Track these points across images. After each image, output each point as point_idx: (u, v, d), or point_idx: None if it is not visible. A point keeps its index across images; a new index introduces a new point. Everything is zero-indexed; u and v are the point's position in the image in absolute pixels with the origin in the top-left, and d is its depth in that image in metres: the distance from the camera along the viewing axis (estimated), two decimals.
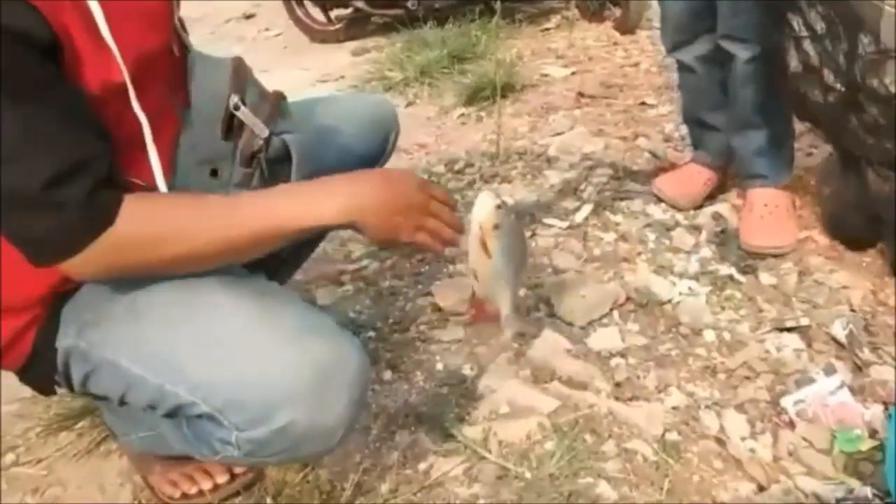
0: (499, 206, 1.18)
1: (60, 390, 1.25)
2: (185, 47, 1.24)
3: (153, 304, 1.10)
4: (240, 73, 1.24)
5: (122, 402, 1.17)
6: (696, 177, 2.21)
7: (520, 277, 1.31)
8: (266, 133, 1.23)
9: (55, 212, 0.95)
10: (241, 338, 1.07)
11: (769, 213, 1.99)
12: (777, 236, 1.97)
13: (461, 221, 1.22)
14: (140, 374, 1.09)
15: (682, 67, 2.18)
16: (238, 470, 1.45)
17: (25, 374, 1.21)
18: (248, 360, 1.05)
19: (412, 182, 1.17)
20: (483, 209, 1.19)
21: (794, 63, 1.75)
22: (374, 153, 1.61)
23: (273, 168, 1.25)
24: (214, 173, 1.19)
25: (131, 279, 1.09)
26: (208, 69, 1.23)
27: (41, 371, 1.18)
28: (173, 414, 1.14)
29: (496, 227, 1.18)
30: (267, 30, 5.06)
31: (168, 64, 1.17)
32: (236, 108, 1.21)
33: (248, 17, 5.45)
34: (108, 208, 0.98)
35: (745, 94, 1.96)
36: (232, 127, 1.21)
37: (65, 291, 1.13)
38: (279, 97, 1.31)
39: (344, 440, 1.12)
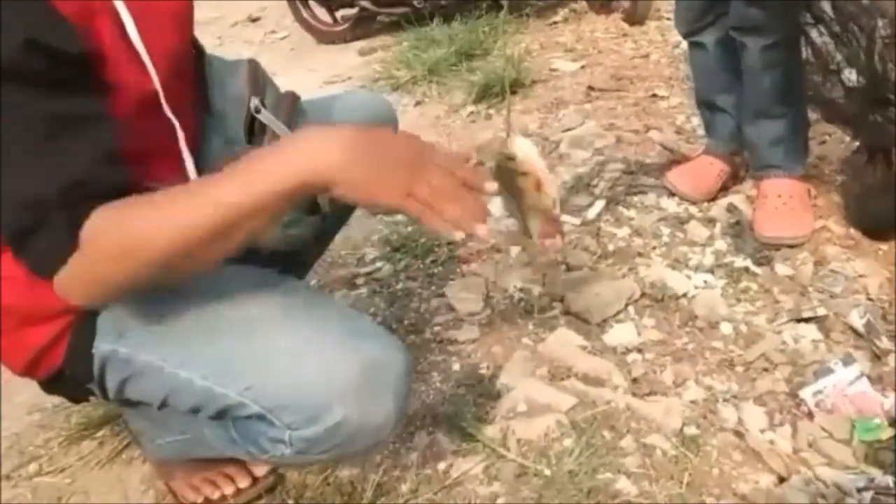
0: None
1: (92, 397, 1.27)
2: (199, 49, 1.25)
3: (197, 307, 1.11)
4: (257, 76, 1.26)
5: (163, 406, 1.17)
6: (708, 169, 2.20)
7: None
8: (288, 133, 1.23)
9: (33, 234, 0.94)
10: (289, 338, 1.08)
11: (784, 204, 1.98)
12: (793, 227, 1.96)
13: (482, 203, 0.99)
14: (187, 377, 1.10)
15: (695, 47, 2.18)
16: (259, 473, 1.46)
17: (56, 382, 1.22)
18: (298, 359, 1.06)
19: (404, 139, 1.00)
20: (529, 153, 1.13)
21: (807, 55, 1.75)
22: None
23: None
24: None
25: (170, 286, 1.06)
26: (226, 73, 1.25)
27: (74, 378, 1.18)
28: (219, 416, 1.15)
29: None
30: (273, 32, 5.07)
31: (190, 66, 1.19)
32: (257, 110, 1.22)
33: (255, 20, 5.46)
34: (72, 226, 0.94)
35: (759, 83, 1.95)
36: (254, 129, 1.22)
37: None
38: (295, 97, 1.32)
39: (390, 436, 1.15)
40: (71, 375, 1.18)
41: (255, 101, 1.22)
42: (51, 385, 1.25)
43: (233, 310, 1.11)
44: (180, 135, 1.08)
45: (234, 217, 0.93)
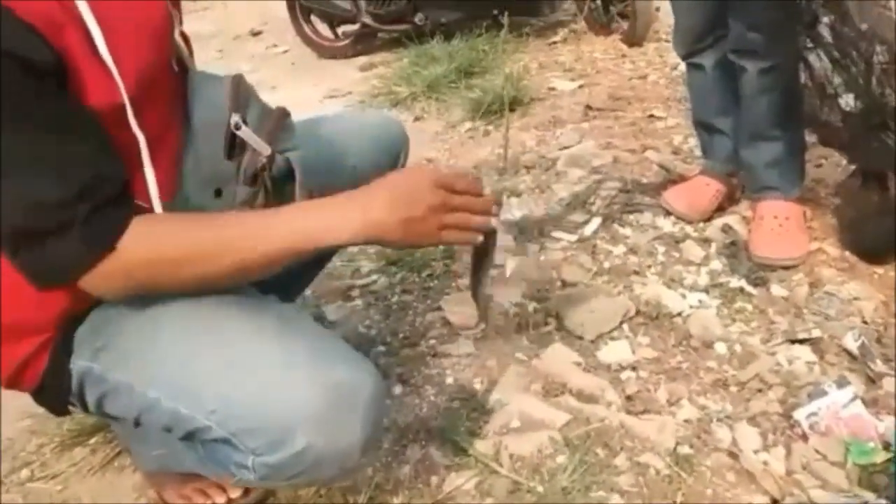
0: None
1: (74, 410, 1.26)
2: (184, 65, 1.23)
3: (168, 327, 1.10)
4: (239, 92, 1.23)
5: (138, 424, 1.17)
6: (705, 189, 2.21)
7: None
8: (269, 151, 1.21)
9: (58, 236, 0.95)
10: (256, 362, 1.07)
11: (780, 226, 1.99)
12: (789, 248, 1.97)
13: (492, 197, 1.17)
14: (155, 397, 1.09)
15: (693, 69, 2.19)
16: (251, 485, 1.45)
17: (39, 395, 1.21)
18: (263, 384, 1.05)
19: (425, 182, 1.10)
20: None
21: (805, 79, 1.76)
22: (383, 171, 1.58)
23: (278, 186, 1.24)
24: (218, 193, 1.18)
25: (146, 301, 1.09)
26: (208, 88, 1.22)
27: (55, 392, 1.18)
28: (189, 437, 1.14)
29: None
30: (274, 46, 5.09)
31: (169, 82, 1.17)
32: (237, 127, 1.19)
33: (256, 34, 5.48)
34: (111, 231, 0.98)
35: (757, 105, 1.97)
36: (234, 146, 1.20)
37: (79, 313, 1.13)
38: (283, 114, 1.29)
39: (361, 464, 1.13)
40: (52, 389, 1.17)
41: (235, 118, 1.19)
42: (35, 397, 1.23)
43: (204, 331, 1.10)
44: (144, 150, 1.06)
45: (288, 254, 1.06)
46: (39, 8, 0.91)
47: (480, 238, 1.17)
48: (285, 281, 1.30)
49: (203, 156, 1.16)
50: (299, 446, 1.03)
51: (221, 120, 1.18)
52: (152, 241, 1.01)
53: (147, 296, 1.08)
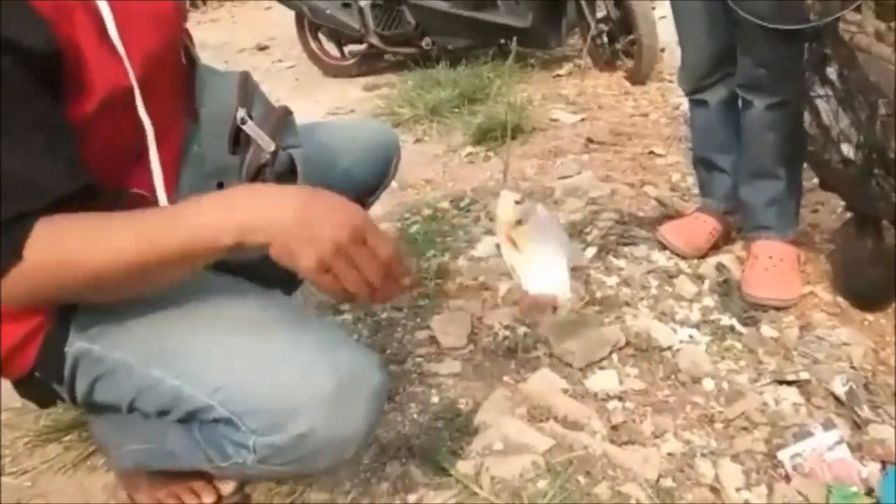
0: (518, 202, 1.17)
1: (58, 405, 1.25)
2: (191, 58, 1.25)
3: (173, 308, 1.10)
4: (247, 87, 1.25)
5: (131, 409, 1.15)
6: (701, 226, 2.22)
7: (563, 258, 1.21)
8: (272, 147, 1.22)
9: None
10: (263, 343, 1.07)
11: (774, 266, 1.99)
12: (782, 289, 1.97)
13: (402, 282, 1.03)
14: (158, 376, 1.08)
15: (697, 105, 2.20)
16: (225, 491, 1.43)
17: (27, 383, 1.19)
18: (270, 365, 1.05)
19: (341, 215, 0.97)
20: (504, 208, 1.17)
21: (809, 122, 1.77)
22: (375, 178, 1.62)
23: (279, 182, 1.23)
24: (220, 186, 1.18)
25: (111, 300, 1.07)
26: (216, 82, 1.25)
27: (44, 379, 1.16)
28: (187, 419, 1.13)
29: (519, 222, 1.17)
30: (280, 61, 5.13)
31: (175, 71, 1.18)
32: (243, 121, 1.21)
33: (262, 48, 5.52)
34: (15, 241, 0.93)
35: (761, 142, 1.97)
36: (239, 141, 1.21)
37: None
38: (286, 112, 1.31)
39: (355, 456, 1.12)
40: (41, 376, 1.16)
41: (241, 112, 1.21)
42: (21, 385, 1.22)
43: (209, 312, 1.10)
44: (150, 137, 1.06)
45: (163, 259, 0.95)
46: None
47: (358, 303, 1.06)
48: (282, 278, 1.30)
49: (207, 148, 1.17)
50: (302, 429, 1.03)
51: (227, 114, 1.20)
52: (50, 244, 0.94)
53: (63, 299, 1.05)
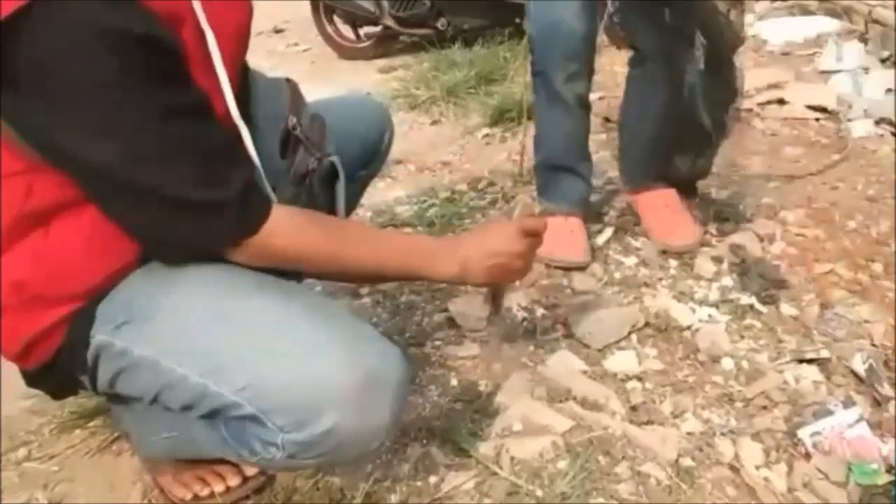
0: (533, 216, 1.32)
1: (81, 389, 1.27)
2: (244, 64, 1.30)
3: (198, 304, 1.11)
4: (297, 95, 1.32)
5: (154, 402, 1.17)
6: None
7: None
8: (319, 154, 1.29)
9: (206, 213, 1.04)
10: (288, 339, 1.08)
11: (672, 213, 2.14)
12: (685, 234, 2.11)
13: None
14: (183, 373, 1.09)
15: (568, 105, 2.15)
16: (250, 473, 1.44)
17: (44, 372, 1.21)
18: (295, 362, 1.06)
19: (512, 233, 1.32)
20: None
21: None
22: (370, 151, 1.67)
23: (320, 187, 1.32)
24: (273, 190, 1.20)
25: (174, 279, 1.13)
26: (269, 88, 1.31)
27: (67, 367, 1.18)
28: (211, 415, 1.14)
29: None
30: (295, 45, 5.12)
31: (241, 77, 1.24)
32: (294, 128, 1.27)
33: (278, 31, 5.51)
34: (258, 215, 1.09)
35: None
36: (288, 146, 1.27)
37: (109, 287, 1.14)
38: (324, 121, 1.36)
39: (381, 447, 1.18)
40: (64, 364, 1.18)
41: (293, 120, 1.28)
42: (37, 375, 1.24)
43: (234, 308, 1.11)
44: (249, 142, 1.14)
45: (401, 275, 1.33)
46: (162, 2, 0.98)
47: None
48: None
49: (260, 152, 1.20)
50: (329, 424, 1.05)
51: (280, 120, 1.26)
52: (295, 233, 1.14)
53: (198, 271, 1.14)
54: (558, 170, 2.18)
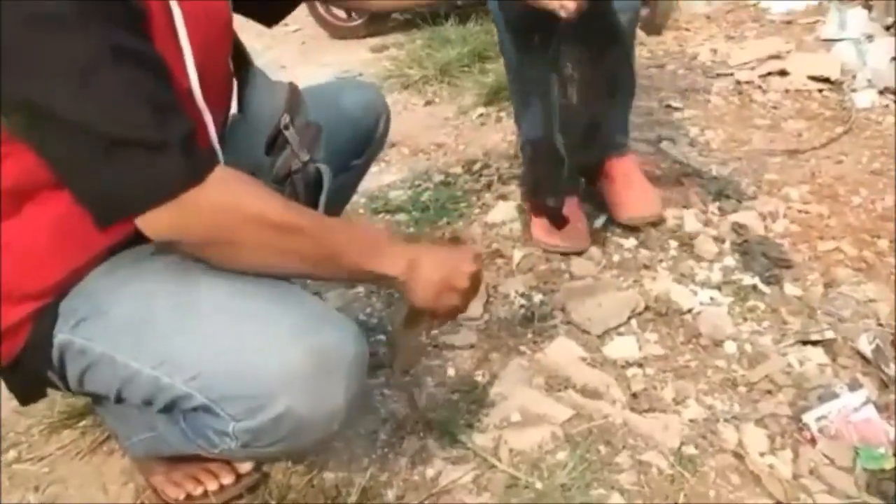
0: None
1: (52, 390, 1.25)
2: (244, 58, 1.30)
3: (149, 297, 1.09)
4: (296, 98, 1.30)
5: (119, 400, 1.15)
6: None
7: None
8: (306, 157, 1.26)
9: (146, 153, 0.95)
10: (235, 327, 1.06)
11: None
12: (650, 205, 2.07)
13: None
14: (136, 367, 1.08)
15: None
16: (243, 470, 1.42)
17: (14, 371, 1.18)
18: (242, 348, 1.04)
19: (464, 271, 1.23)
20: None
21: None
22: (364, 137, 1.64)
23: (304, 192, 1.29)
24: None
25: (128, 272, 1.10)
26: (266, 85, 1.29)
27: (34, 366, 1.15)
28: (169, 409, 1.13)
29: None
30: (286, 25, 5.00)
31: (226, 65, 1.23)
32: (286, 127, 1.25)
33: None
34: (204, 164, 1.00)
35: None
36: (275, 144, 1.25)
37: (73, 284, 1.12)
38: (319, 129, 1.34)
39: (341, 430, 1.13)
40: (30, 363, 1.16)
41: (286, 119, 1.26)
42: (9, 375, 1.21)
43: (185, 297, 1.09)
44: (211, 128, 1.10)
45: (341, 264, 1.12)
46: None
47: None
48: None
49: (244, 145, 1.19)
50: (280, 409, 1.03)
51: (272, 117, 1.25)
52: (239, 190, 1.03)
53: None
54: None
